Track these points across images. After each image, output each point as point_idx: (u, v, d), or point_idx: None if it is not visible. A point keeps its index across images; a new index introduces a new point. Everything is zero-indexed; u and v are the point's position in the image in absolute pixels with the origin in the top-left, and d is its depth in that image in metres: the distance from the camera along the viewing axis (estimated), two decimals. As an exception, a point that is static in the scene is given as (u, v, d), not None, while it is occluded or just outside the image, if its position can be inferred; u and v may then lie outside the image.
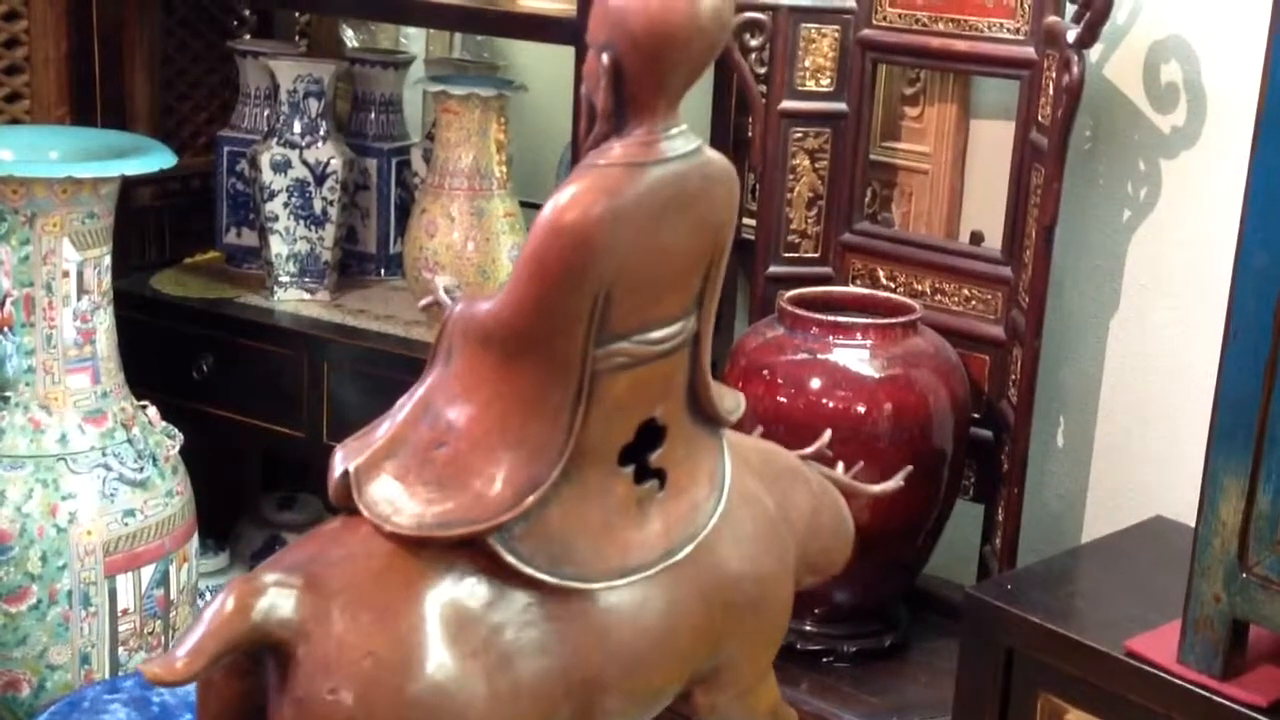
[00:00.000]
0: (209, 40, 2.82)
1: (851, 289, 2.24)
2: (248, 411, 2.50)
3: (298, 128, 2.52)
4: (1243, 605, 1.54)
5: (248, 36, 2.82)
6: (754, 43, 2.18)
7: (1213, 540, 1.55)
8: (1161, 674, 1.61)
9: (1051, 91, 1.99)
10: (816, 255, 2.29)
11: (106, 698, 1.99)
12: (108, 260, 2.20)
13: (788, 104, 2.23)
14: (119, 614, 2.18)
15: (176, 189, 2.76)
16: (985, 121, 2.30)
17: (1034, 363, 2.03)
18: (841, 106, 2.25)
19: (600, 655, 1.38)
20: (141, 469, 2.21)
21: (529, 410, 1.33)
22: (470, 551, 1.32)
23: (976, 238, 2.30)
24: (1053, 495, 2.29)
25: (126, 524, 2.17)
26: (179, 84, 2.79)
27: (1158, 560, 1.89)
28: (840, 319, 2.06)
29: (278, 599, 1.27)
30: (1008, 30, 2.08)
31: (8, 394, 2.15)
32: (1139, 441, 2.19)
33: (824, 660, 2.10)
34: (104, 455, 2.18)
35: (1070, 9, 2.02)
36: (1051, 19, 2.01)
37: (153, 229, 2.75)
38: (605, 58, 1.29)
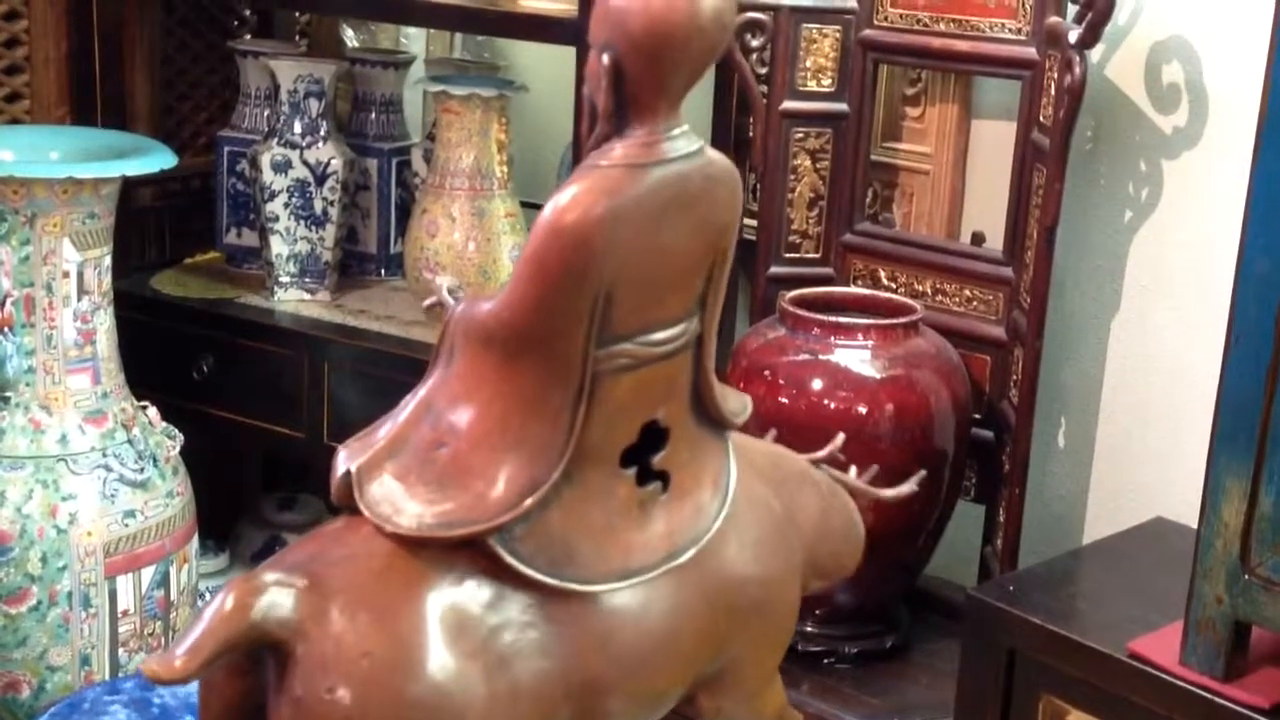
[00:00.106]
0: (209, 40, 2.82)
1: (853, 289, 2.24)
2: (248, 412, 2.50)
3: (298, 128, 2.52)
4: (1245, 607, 1.54)
5: (248, 36, 2.82)
6: (755, 43, 2.17)
7: (1215, 542, 1.55)
8: (1163, 675, 1.61)
9: (1053, 92, 1.99)
10: (817, 256, 2.29)
11: (107, 699, 1.99)
12: (108, 260, 2.20)
13: (789, 104, 2.22)
14: (119, 615, 2.17)
15: (177, 189, 2.76)
16: (986, 122, 2.30)
17: (1035, 363, 2.03)
18: (843, 107, 2.24)
19: (601, 658, 1.37)
20: (142, 470, 2.21)
21: (530, 411, 1.32)
22: (471, 552, 1.31)
23: (978, 238, 2.30)
24: (1054, 496, 2.29)
25: (127, 525, 2.17)
26: (179, 84, 2.79)
27: (1159, 561, 1.89)
28: (841, 320, 2.05)
29: (277, 598, 1.26)
30: (1009, 31, 2.08)
31: (8, 394, 2.15)
32: (1140, 442, 2.19)
33: (825, 661, 2.10)
34: (104, 456, 2.17)
35: (1072, 9, 2.02)
36: (1053, 19, 2.01)
37: (153, 229, 2.75)
38: (606, 58, 1.29)
